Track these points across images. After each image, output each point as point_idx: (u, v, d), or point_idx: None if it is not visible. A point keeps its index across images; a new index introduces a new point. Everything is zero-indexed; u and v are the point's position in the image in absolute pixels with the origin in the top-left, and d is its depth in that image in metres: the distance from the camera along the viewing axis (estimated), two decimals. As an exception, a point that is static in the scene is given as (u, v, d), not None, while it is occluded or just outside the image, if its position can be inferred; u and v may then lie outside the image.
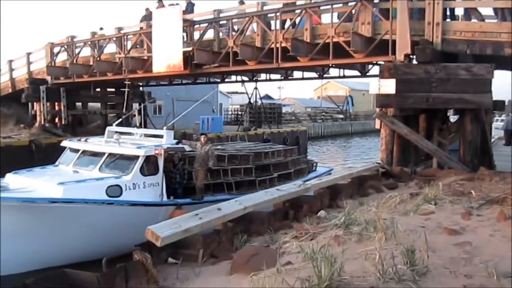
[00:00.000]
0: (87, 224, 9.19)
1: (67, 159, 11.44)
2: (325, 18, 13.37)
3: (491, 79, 10.05)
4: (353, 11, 12.25)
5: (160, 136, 11.74)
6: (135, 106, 24.05)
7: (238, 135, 25.78)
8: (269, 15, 14.61)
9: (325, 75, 19.62)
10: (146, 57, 17.31)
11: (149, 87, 26.28)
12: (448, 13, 11.56)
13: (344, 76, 19.31)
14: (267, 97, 56.60)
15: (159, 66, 16.30)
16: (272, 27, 14.48)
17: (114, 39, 18.68)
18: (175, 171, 11.00)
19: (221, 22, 15.75)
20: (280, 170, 13.72)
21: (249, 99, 30.80)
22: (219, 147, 14.10)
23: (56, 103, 22.71)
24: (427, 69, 10.36)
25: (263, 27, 14.32)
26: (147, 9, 18.64)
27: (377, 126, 11.62)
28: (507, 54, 9.93)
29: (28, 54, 23.41)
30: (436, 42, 10.62)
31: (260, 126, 32.27)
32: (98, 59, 19.26)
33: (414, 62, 10.96)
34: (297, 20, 13.55)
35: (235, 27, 15.16)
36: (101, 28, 20.65)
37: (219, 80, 23.94)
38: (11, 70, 24.09)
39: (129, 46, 18.16)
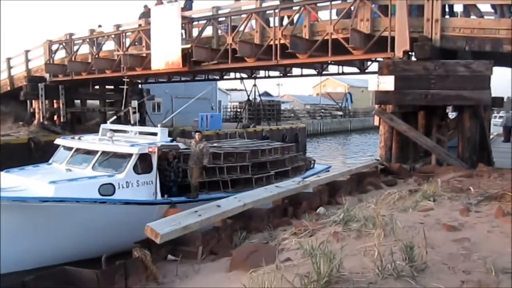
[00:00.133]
0: (79, 223, 9.06)
1: (60, 157, 11.30)
2: (324, 15, 13.37)
3: (490, 76, 10.06)
4: (352, 8, 12.24)
5: (155, 134, 11.59)
6: (134, 103, 24.02)
7: (237, 132, 25.77)
8: (267, 12, 14.60)
9: (324, 72, 19.61)
10: (144, 54, 17.28)
11: (148, 84, 26.24)
12: (447, 9, 11.55)
13: (343, 73, 19.29)
14: (266, 94, 56.60)
15: (158, 63, 16.27)
16: (271, 24, 14.47)
17: (113, 36, 18.63)
18: (169, 169, 10.87)
19: (219, 19, 15.73)
20: (277, 168, 13.57)
21: (248, 96, 30.79)
22: (215, 144, 13.95)
23: (54, 101, 22.64)
24: (426, 65, 10.35)
25: (262, 24, 14.30)
26: (145, 6, 18.59)
27: (376, 123, 11.62)
28: (506, 50, 9.93)
29: (27, 51, 23.32)
30: (435, 39, 10.62)
31: (259, 123, 32.27)
32: (96, 56, 19.21)
33: (413, 58, 10.95)
34: (296, 17, 13.55)
35: (233, 24, 15.13)
36: (99, 26, 20.58)
37: (218, 77, 23.92)
38: (10, 67, 24.02)
39: (127, 44, 18.11)
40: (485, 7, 11.67)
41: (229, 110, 45.04)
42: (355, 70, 18.11)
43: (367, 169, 10.72)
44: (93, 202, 9.21)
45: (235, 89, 47.94)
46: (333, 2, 12.83)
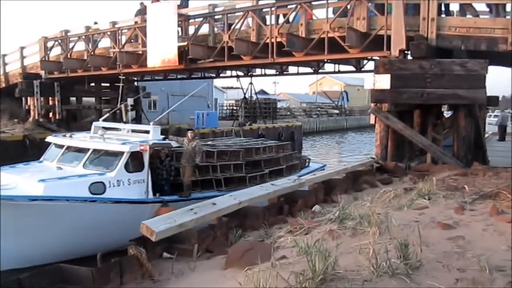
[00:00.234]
0: (69, 222, 8.92)
1: (51, 155, 11.17)
2: (321, 13, 13.35)
3: (485, 75, 10.10)
4: (348, 6, 12.24)
5: (147, 132, 11.47)
6: (130, 101, 23.94)
7: (233, 130, 25.77)
8: (264, 10, 14.58)
9: (320, 70, 19.63)
10: (140, 52, 17.22)
11: (144, 82, 26.19)
12: (443, 8, 11.59)
13: (339, 71, 19.34)
14: (262, 92, 56.55)
15: (154, 60, 16.23)
16: (268, 22, 14.45)
17: (109, 33, 18.56)
18: (161, 167, 10.79)
19: (216, 17, 15.71)
20: (272, 166, 13.54)
21: (244, 94, 30.77)
22: (209, 142, 13.88)
23: (50, 98, 22.57)
24: (421, 64, 10.39)
25: (258, 22, 14.29)
26: (141, 4, 18.54)
27: (372, 121, 11.65)
28: (501, 49, 9.98)
29: (22, 48, 23.24)
30: (431, 38, 10.65)
31: (255, 121, 32.27)
32: (92, 53, 19.14)
33: (409, 57, 10.99)
34: (293, 15, 13.55)
35: (229, 22, 15.11)
36: (95, 23, 20.51)
37: (214, 75, 23.89)
38: (5, 64, 23.93)
39: (123, 41, 18.06)
40: (480, 6, 11.72)
41: (225, 108, 45.02)
42: (351, 68, 18.14)
43: (363, 167, 10.75)
44: (83, 201, 9.08)
45: (232, 87, 47.93)
46: (330, 1, 12.83)
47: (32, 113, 22.21)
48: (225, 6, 15.60)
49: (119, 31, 18.19)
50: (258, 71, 21.81)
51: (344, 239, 4.32)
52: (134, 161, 10.22)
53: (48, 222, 8.77)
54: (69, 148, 10.90)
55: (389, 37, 11.19)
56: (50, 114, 22.73)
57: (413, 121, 11.60)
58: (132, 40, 18.20)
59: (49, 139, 11.68)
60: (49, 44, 21.59)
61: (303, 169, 15.00)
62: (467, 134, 10.71)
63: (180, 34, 15.92)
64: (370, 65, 16.28)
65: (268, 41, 13.79)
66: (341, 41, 12.01)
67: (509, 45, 9.76)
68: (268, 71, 21.42)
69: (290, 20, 13.79)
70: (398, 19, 10.84)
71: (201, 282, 4.46)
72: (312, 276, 3.17)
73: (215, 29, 15.53)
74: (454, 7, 12.25)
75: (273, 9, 13.96)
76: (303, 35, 13.25)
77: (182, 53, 15.61)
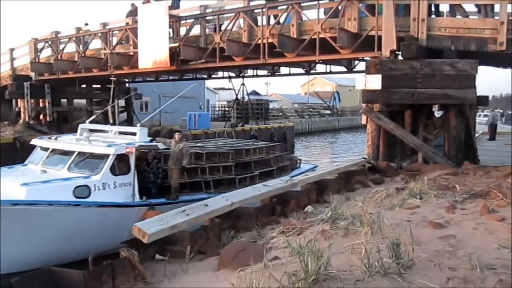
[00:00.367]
0: (53, 227, 8.64)
1: (36, 158, 10.94)
2: (312, 14, 13.39)
3: (475, 75, 10.18)
4: (340, 7, 12.29)
5: (135, 134, 11.25)
6: (121, 102, 23.80)
7: (226, 131, 25.74)
8: (255, 10, 14.59)
9: (312, 71, 19.65)
10: (132, 53, 17.16)
11: (136, 83, 26.08)
12: (433, 9, 11.66)
13: (330, 72, 19.39)
14: (254, 93, 56.62)
15: (145, 62, 16.17)
16: (259, 23, 14.47)
17: (99, 34, 18.47)
18: (149, 169, 10.58)
19: (207, 18, 15.69)
20: (262, 168, 13.34)
21: (236, 95, 30.79)
22: (198, 144, 13.68)
23: (40, 100, 22.39)
24: (412, 65, 10.44)
25: (249, 23, 14.30)
26: (132, 5, 18.46)
27: (364, 121, 11.69)
28: (490, 50, 10.06)
29: (11, 50, 23.04)
30: (421, 38, 10.72)
31: (248, 122, 32.28)
32: (83, 55, 19.03)
33: (400, 58, 11.04)
34: (284, 16, 13.57)
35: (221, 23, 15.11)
36: (86, 24, 20.42)
37: (206, 76, 23.86)
38: (-6, 66, 23.71)
39: (114, 42, 17.98)
40: (469, 7, 11.81)
41: (217, 109, 44.98)
42: (343, 69, 18.20)
43: (355, 167, 10.79)
44: (66, 205, 8.81)
45: (223, 88, 47.86)
46: (321, 2, 12.86)
47: (22, 115, 22.03)
48: (216, 7, 15.58)
49: (110, 32, 18.10)
50: (250, 72, 21.81)
51: (336, 239, 4.34)
52: (120, 164, 10.01)
53: (31, 227, 8.49)
54: (54, 151, 10.67)
55: (380, 37, 11.23)
56: (41, 116, 22.55)
57: (404, 121, 11.65)
58: (123, 41, 18.12)
59: (34, 141, 11.45)
60: (39, 45, 21.44)
61: (294, 170, 14.80)
62: (458, 133, 10.78)
63: (171, 35, 15.88)
64: (361, 66, 16.34)
65: (259, 42, 13.79)
66: (333, 42, 12.04)
67: (498, 45, 9.84)
68: (260, 72, 21.44)
69: (282, 21, 13.81)
70: (388, 19, 10.90)
71: (194, 284, 4.45)
72: (305, 277, 3.18)
73: (207, 30, 15.51)
74: (444, 7, 12.35)
75: (264, 10, 13.97)
76: (295, 36, 13.27)
77: (174, 54, 15.57)
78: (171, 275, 5.01)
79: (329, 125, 54.20)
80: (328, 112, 58.59)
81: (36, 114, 22.35)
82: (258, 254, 4.10)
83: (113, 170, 9.89)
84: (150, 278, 5.03)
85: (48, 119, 22.28)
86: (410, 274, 3.30)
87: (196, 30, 15.95)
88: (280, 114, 49.12)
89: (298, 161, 16.14)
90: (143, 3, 17.15)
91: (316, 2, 12.86)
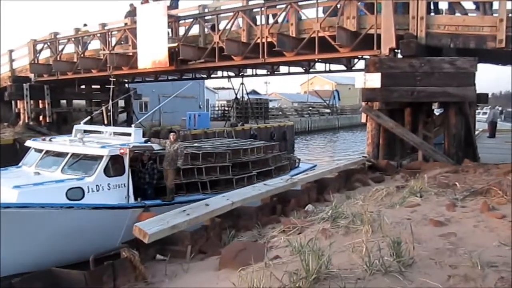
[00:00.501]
0: (45, 230, 8.50)
1: (30, 159, 10.80)
2: (311, 13, 13.39)
3: (475, 73, 10.18)
4: (338, 6, 12.28)
5: (130, 135, 11.07)
6: (121, 103, 23.81)
7: (225, 131, 25.73)
8: (254, 10, 14.58)
9: (311, 70, 19.63)
10: (131, 53, 17.16)
11: (135, 83, 26.07)
12: (432, 7, 11.66)
13: (330, 71, 19.36)
14: (254, 92, 56.59)
15: (145, 62, 16.17)
16: (258, 22, 14.46)
17: (98, 35, 18.45)
18: (144, 170, 10.43)
19: (206, 18, 15.68)
20: (260, 167, 13.14)
21: (236, 94, 30.77)
22: (195, 144, 13.49)
23: (40, 101, 22.38)
24: (411, 63, 10.44)
25: (248, 22, 14.29)
26: (131, 5, 18.47)
27: (363, 120, 11.70)
28: (489, 47, 10.06)
29: (10, 51, 23.02)
30: (420, 36, 10.71)
31: (247, 121, 32.27)
32: (82, 56, 19.03)
33: (399, 56, 11.04)
34: (283, 15, 13.56)
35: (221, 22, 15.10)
36: (85, 25, 20.40)
37: (205, 76, 23.85)
38: (-7, 68, 23.70)
39: (113, 43, 17.96)
40: (468, 4, 11.83)
41: (217, 108, 44.96)
42: (342, 67, 18.17)
43: (355, 166, 10.79)
44: (59, 208, 8.63)
45: (223, 88, 47.82)
46: (319, 0, 12.85)
47: (22, 116, 22.02)
48: (212, 7, 15.57)
49: (109, 33, 18.07)
50: (249, 71, 21.79)
51: (337, 238, 4.34)
52: (114, 165, 9.83)
53: (23, 230, 8.34)
54: (48, 152, 10.52)
55: (379, 36, 11.23)
56: (40, 117, 22.53)
57: (404, 119, 11.65)
58: (122, 42, 18.11)
59: (28, 143, 11.29)
60: (38, 46, 21.42)
61: (293, 170, 14.58)
62: (458, 131, 10.78)
63: (170, 35, 15.88)
64: (360, 64, 16.31)
65: (258, 41, 13.79)
66: (332, 41, 12.04)
67: (497, 42, 9.84)
68: (259, 71, 21.41)
69: (281, 20, 13.80)
70: (387, 18, 10.90)
71: (195, 283, 4.45)
72: (306, 275, 3.18)
73: (206, 29, 15.51)
74: (443, 5, 12.36)
75: (263, 9, 13.96)
76: (294, 35, 13.27)
77: (173, 54, 15.57)
78: (172, 275, 5.01)
79: (328, 124, 54.17)
80: (328, 111, 58.56)
81: (36, 115, 22.33)
82: (259, 254, 4.11)
83: (107, 172, 9.71)
84: (151, 278, 5.03)
85: (47, 120, 22.27)
86: (411, 272, 3.30)
87: (195, 30, 15.95)
88: (280, 113, 49.09)
89: (297, 161, 16.03)
90: (142, 3, 17.14)
91: (315, 1, 12.84)
